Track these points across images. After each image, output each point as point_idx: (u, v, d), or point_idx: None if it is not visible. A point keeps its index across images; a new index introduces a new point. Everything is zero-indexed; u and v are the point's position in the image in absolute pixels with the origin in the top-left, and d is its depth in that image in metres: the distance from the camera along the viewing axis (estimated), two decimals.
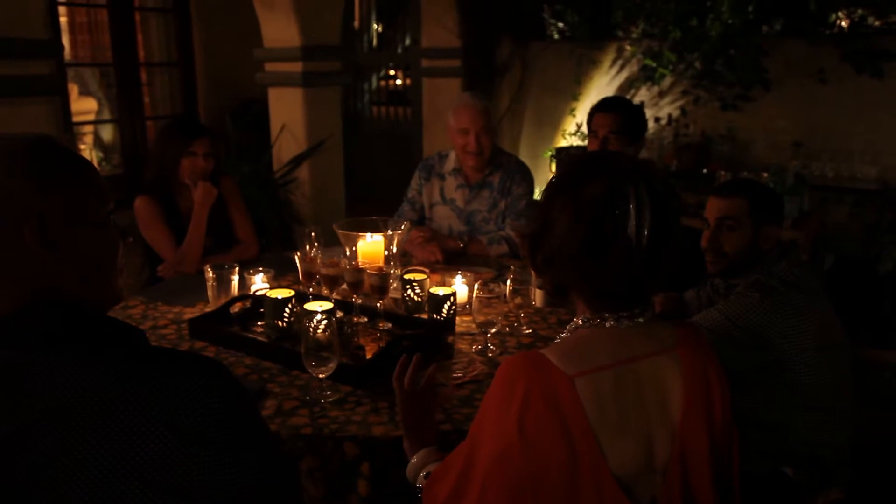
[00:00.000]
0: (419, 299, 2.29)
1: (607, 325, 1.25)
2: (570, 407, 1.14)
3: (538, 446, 1.13)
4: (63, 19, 6.40)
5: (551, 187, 1.29)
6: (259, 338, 2.10)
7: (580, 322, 1.29)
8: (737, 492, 1.32)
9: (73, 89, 6.57)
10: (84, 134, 6.38)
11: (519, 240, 2.92)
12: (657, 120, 5.53)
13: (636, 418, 1.20)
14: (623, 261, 1.17)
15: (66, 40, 6.43)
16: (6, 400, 0.88)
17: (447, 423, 1.66)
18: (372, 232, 2.45)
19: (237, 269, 2.37)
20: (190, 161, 2.82)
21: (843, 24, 4.98)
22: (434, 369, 1.65)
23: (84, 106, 6.75)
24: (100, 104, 6.87)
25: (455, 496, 1.23)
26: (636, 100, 5.42)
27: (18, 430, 0.86)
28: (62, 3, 6.28)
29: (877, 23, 4.89)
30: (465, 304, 2.33)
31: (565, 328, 1.35)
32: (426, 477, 1.42)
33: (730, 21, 4.98)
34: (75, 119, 5.81)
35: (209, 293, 2.35)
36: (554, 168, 5.62)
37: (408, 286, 2.30)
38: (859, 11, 4.88)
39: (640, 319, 1.25)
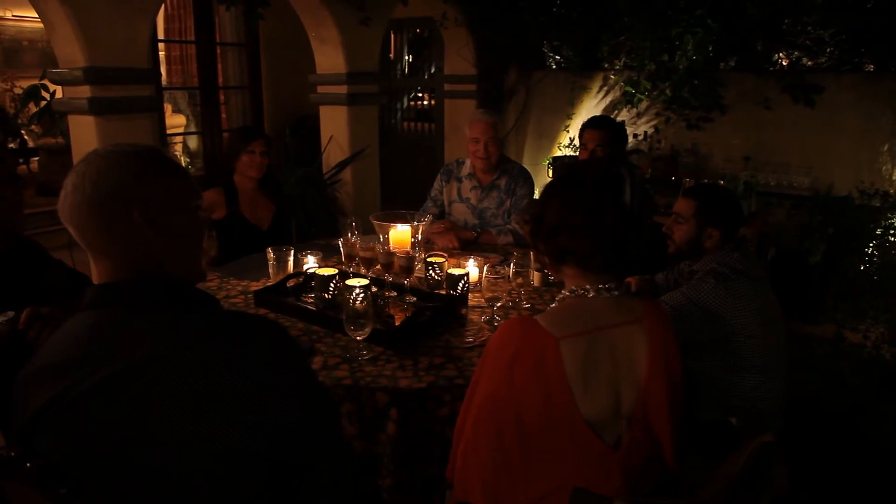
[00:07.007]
0: (439, 278, 2.28)
1: (590, 295, 1.25)
2: (552, 363, 1.16)
3: (520, 390, 1.16)
4: (161, 53, 6.44)
5: (553, 185, 1.32)
6: (309, 307, 2.10)
7: (567, 293, 1.29)
8: (684, 431, 1.33)
9: (168, 107, 6.63)
10: (175, 143, 6.42)
11: (523, 223, 2.89)
12: (635, 136, 5.46)
13: (608, 374, 1.21)
14: (616, 224, 1.21)
15: (163, 69, 6.48)
16: (116, 346, 0.93)
17: (460, 378, 1.66)
18: (401, 223, 2.44)
19: (293, 251, 2.37)
20: (248, 157, 2.83)
21: (784, 62, 4.97)
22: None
23: (175, 121, 6.81)
24: (187, 119, 6.91)
25: (463, 420, 1.28)
26: (618, 119, 5.38)
27: (124, 370, 0.90)
28: (161, 41, 6.34)
29: (809, 63, 4.87)
30: (476, 283, 2.32)
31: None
32: None
33: (694, 57, 4.93)
34: (168, 131, 5.84)
35: (270, 270, 2.35)
36: (551, 173, 5.60)
37: (430, 267, 2.29)
38: (796, 53, 4.89)
39: (616, 293, 1.26)
